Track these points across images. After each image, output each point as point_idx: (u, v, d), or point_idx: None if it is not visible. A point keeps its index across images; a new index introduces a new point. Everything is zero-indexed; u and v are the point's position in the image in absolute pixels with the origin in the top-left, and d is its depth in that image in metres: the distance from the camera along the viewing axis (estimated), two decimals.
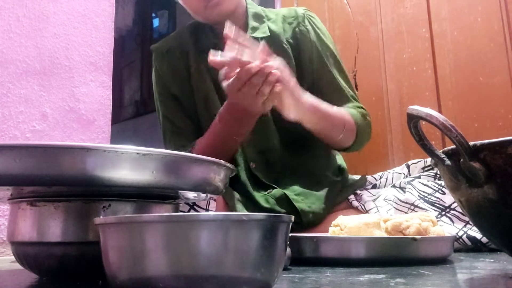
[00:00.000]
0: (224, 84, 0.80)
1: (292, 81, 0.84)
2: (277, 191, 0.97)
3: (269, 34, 1.05)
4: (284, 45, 1.05)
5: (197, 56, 1.06)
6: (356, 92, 1.10)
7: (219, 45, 1.04)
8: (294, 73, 1.03)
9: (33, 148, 0.42)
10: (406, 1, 1.74)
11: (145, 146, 0.45)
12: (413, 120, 0.46)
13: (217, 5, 0.98)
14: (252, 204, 0.95)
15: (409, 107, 0.45)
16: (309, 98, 0.89)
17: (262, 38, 1.02)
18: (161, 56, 1.10)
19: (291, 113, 0.84)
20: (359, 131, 1.01)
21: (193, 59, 1.07)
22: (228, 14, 1.01)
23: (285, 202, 0.96)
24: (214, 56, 0.78)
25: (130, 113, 4.05)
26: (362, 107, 1.06)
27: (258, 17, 1.08)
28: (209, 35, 1.07)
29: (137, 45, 4.12)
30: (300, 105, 0.86)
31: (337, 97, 1.03)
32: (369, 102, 1.76)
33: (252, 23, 1.05)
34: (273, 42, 1.03)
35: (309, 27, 1.08)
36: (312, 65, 1.06)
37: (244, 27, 1.06)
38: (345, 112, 0.99)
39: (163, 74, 1.08)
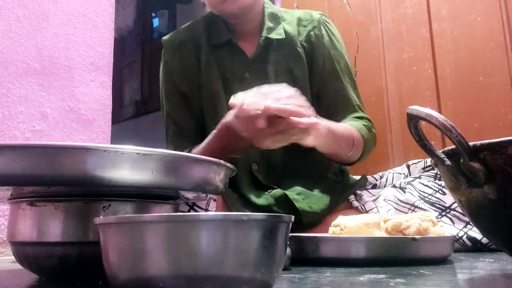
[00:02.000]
0: (242, 125, 0.77)
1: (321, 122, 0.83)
2: (277, 191, 0.97)
3: (284, 36, 1.04)
4: (298, 48, 1.04)
5: (209, 51, 1.04)
6: (362, 103, 1.09)
7: (233, 41, 1.04)
8: (306, 76, 1.03)
9: (33, 148, 0.42)
10: (406, 1, 1.74)
11: (145, 146, 0.45)
12: (413, 120, 0.46)
13: (236, 0, 0.97)
14: (251, 204, 0.95)
15: (409, 107, 0.45)
16: (327, 124, 0.87)
17: (277, 39, 1.03)
18: (172, 49, 1.08)
19: (310, 142, 0.83)
20: (366, 146, 1.00)
21: (205, 54, 1.04)
22: (245, 8, 1.00)
23: (285, 202, 0.95)
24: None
25: (130, 113, 4.05)
26: (367, 118, 1.05)
27: (274, 18, 1.06)
28: (223, 30, 1.05)
29: (137, 45, 4.12)
30: (320, 135, 0.84)
31: (344, 106, 1.03)
32: (369, 102, 1.76)
33: (268, 23, 1.04)
34: (287, 44, 1.03)
35: (323, 32, 1.08)
36: (323, 70, 1.05)
37: (260, 26, 1.05)
38: (353, 129, 0.98)
39: (172, 68, 1.06)
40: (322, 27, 1.08)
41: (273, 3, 2.10)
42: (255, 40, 1.04)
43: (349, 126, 0.98)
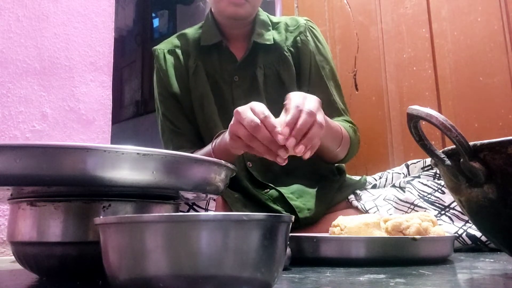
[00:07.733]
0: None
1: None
2: (274, 192, 0.98)
3: (272, 42, 1.07)
4: (285, 52, 1.07)
5: (197, 56, 1.07)
6: (347, 108, 1.11)
7: (223, 43, 1.05)
8: (294, 80, 1.05)
9: (33, 148, 0.42)
10: (406, 1, 1.74)
11: (145, 146, 0.45)
12: (413, 120, 0.46)
13: (237, 5, 1.00)
14: (250, 203, 0.96)
15: (409, 107, 0.45)
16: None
17: (266, 45, 1.05)
18: (163, 57, 1.11)
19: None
20: (351, 147, 1.03)
21: (193, 60, 1.07)
22: (242, 18, 1.04)
23: (281, 201, 0.96)
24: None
25: (130, 113, 4.05)
26: (351, 122, 1.08)
27: (265, 25, 1.10)
28: (215, 32, 1.07)
29: (137, 45, 4.12)
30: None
31: (329, 109, 1.04)
32: (369, 102, 1.76)
33: (258, 29, 1.08)
34: (275, 49, 1.07)
35: (309, 38, 1.11)
36: (310, 75, 1.08)
37: (250, 32, 1.08)
38: (341, 125, 1.00)
39: (163, 75, 1.09)
40: (308, 33, 1.11)
41: (274, 3, 2.11)
42: (245, 45, 1.08)
43: (337, 123, 0.99)
